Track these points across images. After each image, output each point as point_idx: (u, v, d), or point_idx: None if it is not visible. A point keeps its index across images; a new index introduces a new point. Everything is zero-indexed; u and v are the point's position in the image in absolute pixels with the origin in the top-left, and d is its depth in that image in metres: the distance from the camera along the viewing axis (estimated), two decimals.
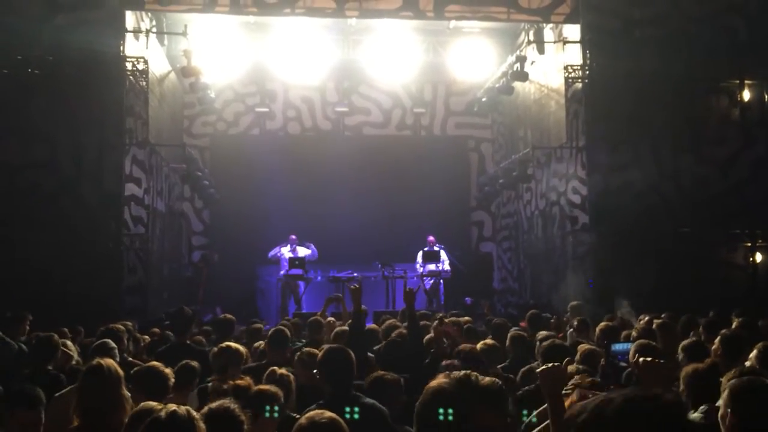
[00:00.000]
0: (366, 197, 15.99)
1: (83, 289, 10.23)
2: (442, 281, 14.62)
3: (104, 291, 10.47)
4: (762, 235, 11.91)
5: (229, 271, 15.74)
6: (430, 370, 4.60)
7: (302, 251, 14.39)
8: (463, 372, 1.94)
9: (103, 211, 10.94)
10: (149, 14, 13.37)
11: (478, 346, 5.77)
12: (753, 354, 4.53)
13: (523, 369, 5.28)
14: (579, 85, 12.29)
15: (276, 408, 3.57)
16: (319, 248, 14.59)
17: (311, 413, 2.91)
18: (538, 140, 14.44)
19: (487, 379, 1.92)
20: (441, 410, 1.82)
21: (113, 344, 5.41)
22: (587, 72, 12.05)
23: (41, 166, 10.82)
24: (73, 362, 5.92)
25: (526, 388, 4.72)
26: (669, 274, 11.03)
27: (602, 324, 6.70)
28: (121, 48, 11.44)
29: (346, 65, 15.48)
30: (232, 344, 5.34)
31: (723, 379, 3.48)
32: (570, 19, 12.58)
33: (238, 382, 3.86)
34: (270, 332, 6.18)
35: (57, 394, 4.46)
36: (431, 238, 14.80)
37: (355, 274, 13.79)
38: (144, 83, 12.09)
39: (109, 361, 3.88)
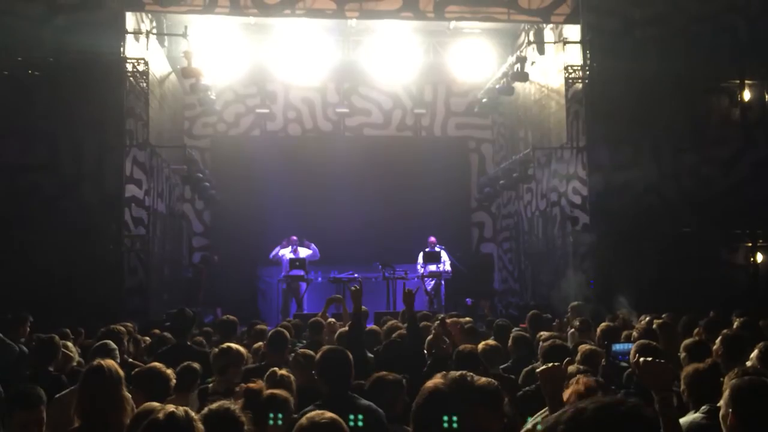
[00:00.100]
0: (366, 198, 15.99)
1: (84, 290, 10.24)
2: (443, 282, 14.63)
3: (105, 292, 10.47)
4: (763, 235, 11.90)
5: (230, 272, 15.74)
6: (432, 372, 4.59)
7: (303, 252, 14.40)
8: (458, 372, 1.93)
9: (104, 212, 10.94)
10: (149, 15, 13.38)
11: (480, 346, 5.76)
12: (754, 354, 4.52)
13: (525, 369, 5.28)
14: (579, 86, 12.29)
15: (280, 416, 3.56)
16: (320, 249, 14.61)
17: (311, 413, 2.91)
18: (539, 141, 14.44)
19: (483, 379, 1.91)
20: (446, 418, 1.82)
21: (114, 345, 5.40)
22: (587, 72, 12.05)
23: (42, 168, 10.83)
24: (74, 363, 5.93)
25: (527, 388, 4.72)
26: (670, 275, 11.03)
27: (603, 324, 6.70)
28: (122, 49, 11.44)
29: (347, 66, 15.47)
30: (233, 345, 5.33)
31: (725, 379, 3.47)
32: (570, 20, 12.58)
33: (251, 385, 3.85)
34: (269, 334, 6.18)
35: (57, 396, 4.46)
36: (432, 238, 14.81)
37: (356, 275, 13.78)
38: (144, 84, 12.09)
39: (109, 362, 3.88)
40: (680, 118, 11.85)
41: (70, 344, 6.19)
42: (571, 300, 10.26)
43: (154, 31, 13.70)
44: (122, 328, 6.36)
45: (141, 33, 12.75)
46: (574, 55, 12.52)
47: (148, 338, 7.47)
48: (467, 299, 14.67)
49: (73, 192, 10.88)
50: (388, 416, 4.04)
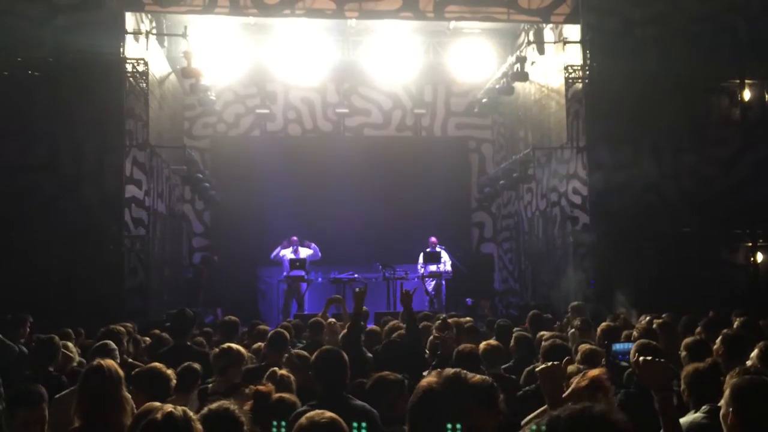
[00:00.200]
0: (366, 198, 15.99)
1: (84, 290, 10.24)
2: (444, 281, 14.63)
3: (105, 293, 10.46)
4: (763, 235, 11.90)
5: (230, 272, 15.74)
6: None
7: (304, 252, 14.41)
8: (452, 370, 1.92)
9: (104, 213, 10.94)
10: (149, 16, 13.38)
11: (481, 346, 5.76)
12: (754, 353, 4.51)
13: (526, 369, 5.28)
14: (579, 86, 12.29)
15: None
16: (320, 249, 14.61)
17: (311, 413, 2.90)
18: (539, 141, 14.44)
19: (477, 377, 1.91)
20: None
21: (114, 345, 5.40)
22: (587, 72, 12.05)
23: (42, 168, 10.82)
24: (74, 364, 5.92)
25: (527, 388, 4.72)
26: (670, 274, 11.02)
27: (603, 324, 6.69)
28: (121, 50, 11.44)
29: (347, 66, 15.48)
30: (233, 345, 5.33)
31: (725, 379, 3.47)
32: (570, 20, 12.57)
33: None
34: (269, 334, 6.18)
35: (57, 396, 4.46)
36: (433, 239, 14.81)
37: (356, 276, 13.78)
38: (144, 85, 12.08)
39: (109, 362, 3.88)
40: (680, 117, 11.84)
41: (70, 344, 6.19)
42: (572, 300, 10.27)
43: (154, 31, 13.70)
44: (122, 329, 6.36)
45: (141, 33, 12.75)
46: (574, 55, 12.52)
47: (147, 338, 7.46)
48: (467, 299, 14.68)
49: (73, 192, 10.87)
50: (389, 416, 4.04)
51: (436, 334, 6.47)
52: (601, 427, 1.61)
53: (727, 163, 11.94)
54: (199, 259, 16.19)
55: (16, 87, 10.84)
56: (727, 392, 3.06)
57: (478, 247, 17.86)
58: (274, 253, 14.62)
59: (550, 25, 13.54)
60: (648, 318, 7.18)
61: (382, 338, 7.04)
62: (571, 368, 4.05)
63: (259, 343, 6.58)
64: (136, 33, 12.51)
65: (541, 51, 13.88)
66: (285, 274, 14.12)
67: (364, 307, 6.21)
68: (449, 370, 1.93)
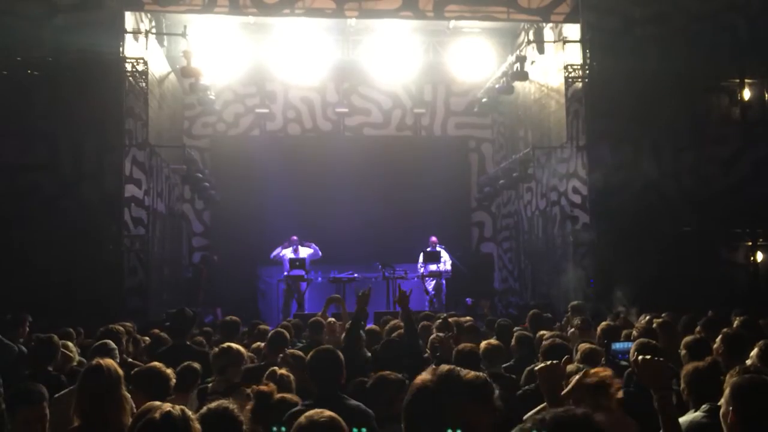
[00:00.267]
0: (366, 198, 15.99)
1: (84, 290, 10.24)
2: (444, 281, 14.63)
3: (105, 292, 10.46)
4: (763, 234, 11.89)
5: (230, 272, 15.73)
6: None
7: (304, 251, 14.40)
8: (447, 367, 1.92)
9: (104, 212, 10.93)
10: (149, 15, 13.38)
11: (482, 345, 5.75)
12: (754, 352, 4.51)
13: (526, 369, 5.27)
14: (579, 85, 12.29)
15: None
16: (320, 249, 14.60)
17: (310, 412, 2.89)
18: (539, 140, 14.43)
19: (471, 373, 1.91)
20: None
21: (113, 345, 5.40)
22: (587, 71, 12.04)
23: (42, 168, 10.82)
24: (74, 363, 5.92)
25: (526, 387, 4.72)
26: (670, 273, 11.02)
27: (603, 323, 6.70)
28: (121, 49, 11.44)
29: (346, 66, 15.48)
30: (233, 345, 5.33)
31: (725, 378, 3.47)
32: (570, 19, 12.57)
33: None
34: (269, 334, 6.19)
35: (56, 395, 4.45)
36: (433, 238, 14.81)
37: (356, 275, 13.78)
38: (144, 84, 12.08)
39: (109, 361, 3.87)
40: (680, 116, 11.84)
41: (70, 344, 6.18)
42: (571, 299, 10.28)
43: (154, 30, 13.70)
44: (121, 328, 6.36)
45: (140, 33, 12.75)
46: (574, 54, 12.51)
47: (147, 338, 7.46)
48: (467, 299, 14.68)
49: (72, 192, 10.87)
50: (389, 415, 4.03)
51: (436, 336, 6.45)
52: (583, 430, 1.66)
53: (727, 162, 11.94)
54: (199, 258, 16.19)
55: (16, 87, 10.85)
56: (727, 391, 3.06)
57: (478, 246, 17.85)
58: (275, 253, 14.62)
59: (550, 25, 13.53)
60: (648, 317, 7.18)
61: (382, 338, 7.04)
62: (570, 367, 4.05)
63: (259, 343, 6.59)
64: (136, 32, 12.50)
65: (540, 50, 13.88)
66: (285, 273, 14.12)
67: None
68: (444, 367, 1.93)
